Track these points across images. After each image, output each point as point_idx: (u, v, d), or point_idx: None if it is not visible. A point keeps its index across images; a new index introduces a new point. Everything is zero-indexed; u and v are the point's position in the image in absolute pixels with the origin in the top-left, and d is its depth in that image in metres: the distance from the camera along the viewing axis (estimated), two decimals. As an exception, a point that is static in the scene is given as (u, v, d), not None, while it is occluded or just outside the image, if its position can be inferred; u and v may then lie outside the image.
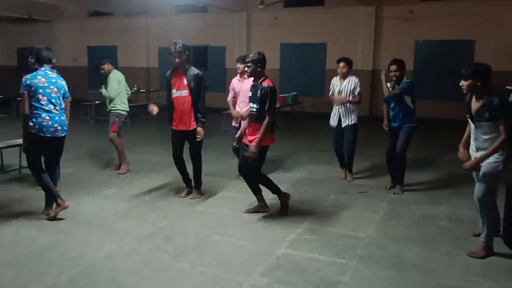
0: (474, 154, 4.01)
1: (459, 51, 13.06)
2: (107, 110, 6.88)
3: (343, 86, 6.22)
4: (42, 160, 4.90)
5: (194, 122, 5.29)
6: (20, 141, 6.72)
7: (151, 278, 3.57)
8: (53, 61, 4.90)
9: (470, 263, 3.83)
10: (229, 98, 6.47)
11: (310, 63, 14.67)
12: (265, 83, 4.76)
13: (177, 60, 5.19)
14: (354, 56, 14.37)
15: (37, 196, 5.53)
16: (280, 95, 12.38)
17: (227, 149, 6.67)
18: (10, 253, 4.00)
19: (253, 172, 4.90)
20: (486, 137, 3.87)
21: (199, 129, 5.27)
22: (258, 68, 4.80)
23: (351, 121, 6.23)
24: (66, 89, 4.92)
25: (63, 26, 18.52)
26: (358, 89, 6.22)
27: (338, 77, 6.35)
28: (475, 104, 3.95)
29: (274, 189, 5.01)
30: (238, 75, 6.31)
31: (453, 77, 13.35)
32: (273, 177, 6.54)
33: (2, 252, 4.03)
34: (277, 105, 12.01)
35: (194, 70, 5.30)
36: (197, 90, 5.25)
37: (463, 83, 3.94)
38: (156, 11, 16.37)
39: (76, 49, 18.10)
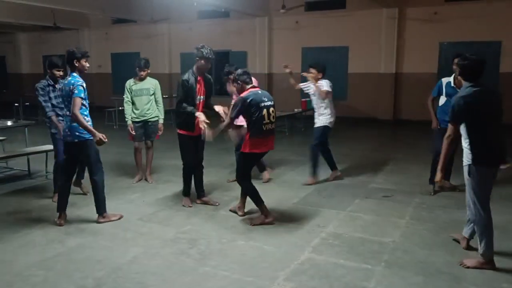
0: None
1: (484, 52, 12.79)
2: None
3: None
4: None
5: None
6: (46, 147, 6.91)
7: (175, 281, 3.59)
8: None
9: (500, 270, 3.72)
10: None
11: (332, 67, 14.56)
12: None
13: (209, 66, 5.26)
14: (376, 59, 14.39)
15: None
16: (302, 100, 12.35)
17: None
18: (40, 255, 4.08)
19: (240, 180, 4.95)
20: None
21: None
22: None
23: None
24: (74, 91, 4.53)
25: (88, 34, 18.93)
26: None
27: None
28: None
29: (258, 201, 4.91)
30: None
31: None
32: (297, 180, 6.55)
33: (32, 254, 4.12)
34: (299, 109, 12.02)
35: (207, 75, 5.43)
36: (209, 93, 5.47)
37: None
38: (178, 18, 16.57)
39: (100, 56, 18.44)
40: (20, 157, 6.95)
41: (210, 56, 5.17)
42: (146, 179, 6.65)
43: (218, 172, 7.12)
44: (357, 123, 12.63)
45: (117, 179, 6.75)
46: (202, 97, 5.35)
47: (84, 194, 5.82)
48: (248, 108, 4.68)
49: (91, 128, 4.59)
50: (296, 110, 12.04)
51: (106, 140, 4.65)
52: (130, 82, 6.45)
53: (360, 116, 13.62)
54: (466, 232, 4.14)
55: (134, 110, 6.44)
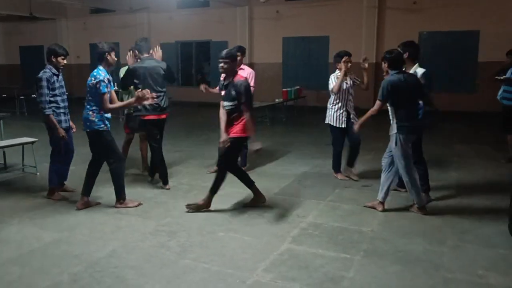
0: None
1: (463, 42, 12.96)
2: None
3: (349, 82, 6.07)
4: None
5: None
6: (22, 140, 6.76)
7: (155, 274, 3.56)
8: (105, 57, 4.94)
9: (477, 257, 3.79)
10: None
11: (313, 56, 14.61)
12: (237, 79, 4.73)
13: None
14: (357, 49, 14.40)
15: (40, 195, 5.56)
16: (283, 89, 12.34)
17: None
18: (14, 251, 4.00)
19: (230, 166, 4.97)
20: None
21: None
22: (234, 64, 4.81)
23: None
24: (94, 85, 4.81)
25: (65, 24, 18.54)
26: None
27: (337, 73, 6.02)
28: None
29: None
30: None
31: (457, 68, 13.36)
32: (278, 171, 6.55)
33: (6, 250, 4.03)
34: (280, 100, 11.99)
35: None
36: None
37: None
38: (157, 7, 16.35)
39: (78, 46, 18.10)
40: (-5, 151, 6.78)
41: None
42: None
43: (200, 163, 7.07)
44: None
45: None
46: None
47: (72, 191, 5.68)
48: None
49: (125, 104, 5.14)
50: (277, 100, 12.02)
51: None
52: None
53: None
54: (380, 196, 4.89)
55: None
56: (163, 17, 16.51)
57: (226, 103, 4.79)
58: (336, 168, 6.22)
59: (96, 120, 4.84)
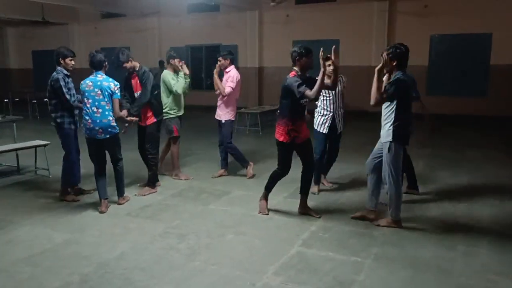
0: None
1: (475, 45, 12.86)
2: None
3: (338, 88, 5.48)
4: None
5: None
6: (35, 142, 6.83)
7: (164, 277, 3.56)
8: (105, 64, 5.12)
9: (488, 262, 3.74)
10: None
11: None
12: None
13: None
14: (367, 52, 14.38)
15: (52, 196, 5.61)
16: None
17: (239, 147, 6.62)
18: (26, 251, 4.04)
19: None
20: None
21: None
22: None
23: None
24: (114, 90, 4.99)
25: (77, 28, 18.74)
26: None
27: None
28: None
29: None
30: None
31: (468, 72, 13.23)
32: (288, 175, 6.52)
33: (18, 250, 4.07)
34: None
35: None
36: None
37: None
38: (168, 11, 16.45)
39: (90, 50, 18.18)
40: (8, 153, 6.85)
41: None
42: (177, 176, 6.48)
43: (209, 166, 7.08)
44: (350, 117, 12.57)
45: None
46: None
47: (89, 193, 5.74)
48: None
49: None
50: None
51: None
52: (170, 75, 6.11)
53: (348, 109, 13.62)
54: (370, 204, 4.66)
55: (174, 106, 6.20)
56: (173, 21, 16.61)
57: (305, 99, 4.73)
58: (316, 179, 5.65)
59: (116, 124, 5.06)
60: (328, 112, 5.45)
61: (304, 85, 4.47)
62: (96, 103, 4.91)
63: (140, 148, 5.94)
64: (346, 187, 5.92)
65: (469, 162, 7.27)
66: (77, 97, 5.37)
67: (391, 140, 4.25)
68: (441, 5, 12.93)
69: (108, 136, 4.99)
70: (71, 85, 5.41)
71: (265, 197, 5.03)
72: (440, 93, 13.25)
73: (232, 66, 6.29)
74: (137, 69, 5.59)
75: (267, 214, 4.91)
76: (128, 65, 5.55)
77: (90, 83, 4.94)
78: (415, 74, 4.87)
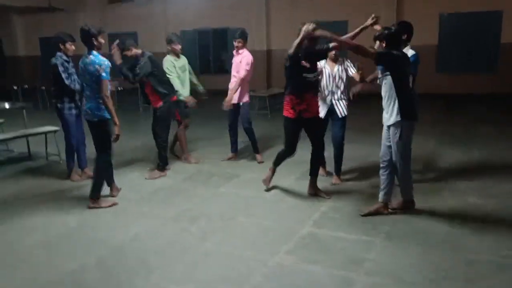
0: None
1: (485, 23, 12.64)
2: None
3: (335, 71, 5.24)
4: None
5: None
6: (45, 128, 6.89)
7: (177, 258, 3.61)
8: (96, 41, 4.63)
9: (500, 239, 3.74)
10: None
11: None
12: None
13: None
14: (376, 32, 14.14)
15: (65, 182, 5.67)
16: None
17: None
18: (41, 235, 4.11)
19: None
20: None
21: None
22: None
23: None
24: (100, 72, 4.50)
25: (84, 15, 18.64)
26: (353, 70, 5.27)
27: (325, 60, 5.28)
28: None
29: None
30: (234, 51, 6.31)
31: (478, 50, 13.02)
32: (299, 156, 6.51)
33: (34, 234, 4.15)
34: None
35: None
36: None
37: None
38: (174, -5, 16.34)
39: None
40: (19, 139, 6.93)
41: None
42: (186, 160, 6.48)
43: (219, 150, 7.10)
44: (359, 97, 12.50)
45: (116, 159, 6.73)
46: None
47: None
48: None
49: (114, 115, 4.61)
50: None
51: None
52: (171, 59, 6.11)
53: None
54: (382, 197, 4.34)
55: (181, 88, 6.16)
56: (180, 6, 16.48)
57: (314, 74, 4.74)
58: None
59: (104, 109, 4.62)
60: (327, 95, 5.21)
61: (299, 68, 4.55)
62: (85, 85, 4.74)
63: (153, 130, 5.96)
64: (355, 168, 5.92)
65: (481, 139, 7.21)
66: (78, 81, 5.38)
67: (400, 119, 4.03)
68: (450, -17, 12.70)
69: (96, 119, 4.65)
70: (72, 70, 5.42)
71: (272, 170, 5.11)
72: (450, 72, 13.11)
73: (245, 49, 6.23)
74: (139, 56, 5.56)
75: (268, 189, 5.03)
76: (128, 53, 5.54)
77: (81, 66, 4.70)
78: (424, 52, 4.74)
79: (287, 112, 4.74)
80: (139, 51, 5.59)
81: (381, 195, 4.32)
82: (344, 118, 5.27)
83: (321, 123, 4.88)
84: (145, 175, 5.80)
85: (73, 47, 5.44)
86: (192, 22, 16.55)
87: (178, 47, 6.15)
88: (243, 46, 6.16)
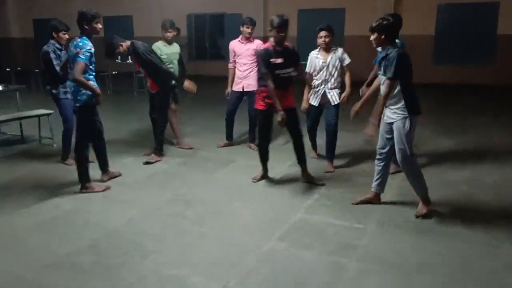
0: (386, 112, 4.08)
1: (482, 14, 12.64)
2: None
3: (328, 60, 5.26)
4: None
5: None
6: (38, 111, 6.84)
7: (172, 241, 3.64)
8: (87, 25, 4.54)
9: (492, 227, 3.79)
10: (232, 62, 6.32)
11: (328, 29, 14.38)
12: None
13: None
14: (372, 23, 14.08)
15: (58, 165, 5.67)
16: (300, 63, 12.21)
17: (243, 116, 6.59)
18: (35, 218, 4.12)
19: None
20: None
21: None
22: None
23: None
24: (79, 54, 4.39)
25: (79, -4, 18.43)
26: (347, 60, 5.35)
27: (318, 49, 5.35)
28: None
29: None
30: (241, 38, 6.20)
31: (476, 40, 13.02)
32: (289, 146, 6.52)
33: (28, 217, 4.16)
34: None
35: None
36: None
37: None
38: (171, -21, 16.15)
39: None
40: (12, 122, 6.88)
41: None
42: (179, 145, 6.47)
43: (214, 136, 7.10)
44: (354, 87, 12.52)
45: (111, 143, 6.72)
46: None
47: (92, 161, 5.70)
48: None
49: (93, 86, 4.53)
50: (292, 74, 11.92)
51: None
52: (159, 45, 6.07)
53: (357, 79, 13.53)
54: (376, 187, 4.31)
55: None
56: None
57: (288, 70, 4.67)
58: (312, 146, 5.88)
59: (81, 92, 4.54)
60: (319, 83, 5.32)
61: (267, 70, 4.58)
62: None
63: (151, 117, 5.97)
64: (348, 155, 5.95)
65: (475, 130, 7.27)
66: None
67: (408, 115, 3.88)
68: (449, -28, 12.66)
69: (77, 104, 4.61)
70: (65, 57, 5.39)
71: (263, 169, 5.10)
72: (447, 63, 13.13)
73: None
74: (129, 48, 5.48)
75: (255, 181, 5.01)
76: (121, 49, 5.48)
77: (70, 49, 4.58)
78: (422, 43, 4.70)
79: (258, 104, 4.84)
80: (128, 42, 5.51)
81: (374, 185, 4.31)
82: (337, 106, 5.33)
83: (293, 113, 4.77)
84: (143, 160, 5.79)
85: (66, 36, 5.42)
86: (188, 6, 16.39)
87: (169, 34, 6.07)
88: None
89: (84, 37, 4.51)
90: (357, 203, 4.33)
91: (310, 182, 4.93)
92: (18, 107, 7.32)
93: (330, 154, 5.48)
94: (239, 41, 6.23)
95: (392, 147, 4.09)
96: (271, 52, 4.65)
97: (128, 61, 9.97)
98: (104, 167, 5.07)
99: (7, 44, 20.50)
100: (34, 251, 3.53)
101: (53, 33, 5.42)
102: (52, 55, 5.36)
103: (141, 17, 16.93)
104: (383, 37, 3.86)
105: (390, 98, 3.94)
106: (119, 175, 5.21)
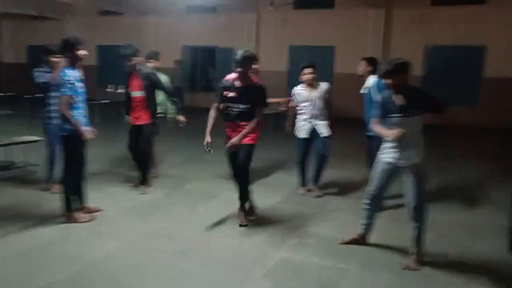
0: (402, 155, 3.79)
1: (469, 57, 12.98)
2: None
3: (314, 95, 5.54)
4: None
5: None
6: (26, 138, 6.78)
7: (151, 277, 3.56)
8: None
9: (473, 271, 3.77)
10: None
11: (318, 66, 14.61)
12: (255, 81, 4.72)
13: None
14: (381, 70, 14.37)
15: (41, 194, 5.58)
16: (289, 98, 12.32)
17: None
18: (12, 248, 4.02)
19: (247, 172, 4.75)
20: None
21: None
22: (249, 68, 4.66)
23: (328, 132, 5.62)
24: (61, 88, 4.46)
25: (73, 24, 18.59)
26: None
27: (303, 85, 5.63)
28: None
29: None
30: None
31: (463, 82, 13.30)
32: (281, 179, 6.53)
33: (5, 246, 4.05)
34: (285, 108, 11.99)
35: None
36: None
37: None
38: (165, 11, 16.42)
39: (85, 47, 18.14)
40: (-2, 148, 6.81)
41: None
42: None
43: (201, 168, 7.07)
44: (342, 123, 12.65)
45: (97, 172, 6.66)
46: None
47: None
48: None
49: (76, 124, 4.46)
50: (280, 108, 12.00)
51: (92, 136, 4.61)
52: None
53: (346, 116, 13.69)
54: (363, 229, 4.21)
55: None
56: (171, 21, 16.60)
57: (241, 105, 4.61)
58: (301, 181, 5.87)
59: (63, 124, 4.52)
60: (307, 117, 5.55)
61: (218, 100, 4.69)
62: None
63: (132, 148, 5.82)
64: (336, 194, 5.95)
65: (460, 171, 7.33)
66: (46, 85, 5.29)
67: (423, 158, 3.81)
68: (436, 15, 13.05)
69: (61, 134, 4.59)
70: (47, 80, 5.28)
71: (240, 208, 4.90)
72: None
73: None
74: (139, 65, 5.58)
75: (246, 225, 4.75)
76: (133, 62, 5.55)
77: None
78: (410, 83, 4.67)
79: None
80: (142, 59, 5.69)
81: (362, 228, 4.21)
82: (326, 137, 5.57)
83: (242, 148, 4.66)
84: (129, 191, 5.73)
85: (57, 59, 5.25)
86: (181, 38, 16.63)
87: (151, 64, 6.15)
88: None
89: (69, 67, 4.48)
90: (344, 243, 4.26)
91: (241, 219, 4.77)
92: (5, 132, 7.25)
93: (317, 176, 5.75)
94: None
95: (386, 189, 4.05)
96: (228, 84, 4.66)
97: (118, 90, 9.91)
98: (81, 200, 4.91)
99: (0, 69, 20.57)
100: (8, 283, 3.42)
101: (45, 56, 5.37)
102: (36, 73, 5.35)
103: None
104: (396, 78, 3.69)
105: (413, 135, 3.73)
106: (98, 211, 4.97)
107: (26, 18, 18.43)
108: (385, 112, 3.79)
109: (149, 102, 5.66)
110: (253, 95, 4.58)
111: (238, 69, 4.53)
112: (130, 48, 5.63)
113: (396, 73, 3.68)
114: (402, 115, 3.70)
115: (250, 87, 4.60)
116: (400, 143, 3.70)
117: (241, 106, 4.58)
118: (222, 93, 4.66)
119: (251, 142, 4.66)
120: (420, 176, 3.80)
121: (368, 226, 4.22)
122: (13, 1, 14.54)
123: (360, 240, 4.25)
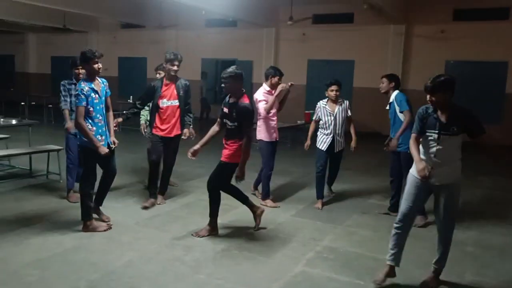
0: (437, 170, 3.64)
1: (491, 73, 12.83)
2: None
3: (336, 110, 5.81)
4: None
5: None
6: (49, 147, 6.95)
7: (169, 287, 3.59)
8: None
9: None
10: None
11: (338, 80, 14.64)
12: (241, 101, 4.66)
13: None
14: (382, 75, 14.33)
15: (62, 202, 5.69)
16: (305, 111, 12.35)
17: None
18: (35, 255, 4.10)
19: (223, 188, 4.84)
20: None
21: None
22: (237, 85, 4.69)
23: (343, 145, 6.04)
24: (76, 100, 4.61)
25: (96, 37, 19.06)
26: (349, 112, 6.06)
27: (326, 100, 5.88)
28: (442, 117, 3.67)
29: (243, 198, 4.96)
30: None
31: (483, 99, 13.14)
32: (297, 193, 6.54)
33: (27, 253, 4.14)
34: (302, 121, 12.01)
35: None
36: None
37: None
38: (186, 25, 16.70)
39: (107, 59, 18.52)
40: (22, 156, 6.98)
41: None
42: None
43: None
44: (361, 138, 12.58)
45: (116, 183, 6.76)
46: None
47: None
48: None
49: (92, 137, 4.52)
50: (299, 122, 12.04)
51: (106, 151, 4.62)
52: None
53: (361, 130, 13.61)
54: (392, 260, 3.80)
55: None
56: (191, 35, 16.84)
57: (229, 122, 4.70)
58: (318, 194, 5.96)
59: (77, 133, 4.71)
60: (329, 133, 5.83)
61: (221, 112, 4.84)
62: None
63: (158, 161, 5.73)
64: (354, 210, 5.92)
65: (482, 189, 7.22)
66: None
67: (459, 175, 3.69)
68: (457, 31, 12.95)
69: (79, 143, 4.79)
70: (73, 92, 5.49)
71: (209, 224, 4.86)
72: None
73: None
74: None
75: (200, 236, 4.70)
76: (166, 69, 5.83)
77: None
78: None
79: None
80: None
81: (391, 257, 3.77)
82: (341, 151, 6.04)
83: (221, 165, 4.75)
84: (145, 204, 5.69)
85: (80, 71, 5.44)
86: (201, 51, 16.85)
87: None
88: None
89: (84, 79, 4.62)
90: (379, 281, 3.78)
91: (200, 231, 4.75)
92: (30, 141, 7.43)
93: (331, 180, 6.35)
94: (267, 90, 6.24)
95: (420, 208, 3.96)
96: (226, 100, 4.81)
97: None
98: (98, 200, 5.02)
99: (24, 79, 21.14)
100: (30, 290, 3.49)
101: (70, 68, 5.59)
102: (61, 87, 5.61)
103: (155, 60, 17.34)
104: (443, 95, 3.64)
105: (449, 154, 3.69)
106: (108, 220, 4.99)
107: (51, 30, 18.93)
108: (425, 127, 3.68)
109: (185, 111, 5.77)
110: (237, 114, 4.60)
111: (222, 85, 4.74)
112: (175, 55, 5.86)
113: (440, 90, 3.59)
114: (442, 132, 3.61)
115: (235, 105, 4.64)
116: (426, 180, 3.59)
117: (229, 123, 4.68)
118: (223, 108, 4.79)
119: (225, 160, 4.70)
120: (451, 197, 3.64)
121: (397, 255, 3.76)
122: (40, 13, 14.96)
123: (391, 274, 3.80)
